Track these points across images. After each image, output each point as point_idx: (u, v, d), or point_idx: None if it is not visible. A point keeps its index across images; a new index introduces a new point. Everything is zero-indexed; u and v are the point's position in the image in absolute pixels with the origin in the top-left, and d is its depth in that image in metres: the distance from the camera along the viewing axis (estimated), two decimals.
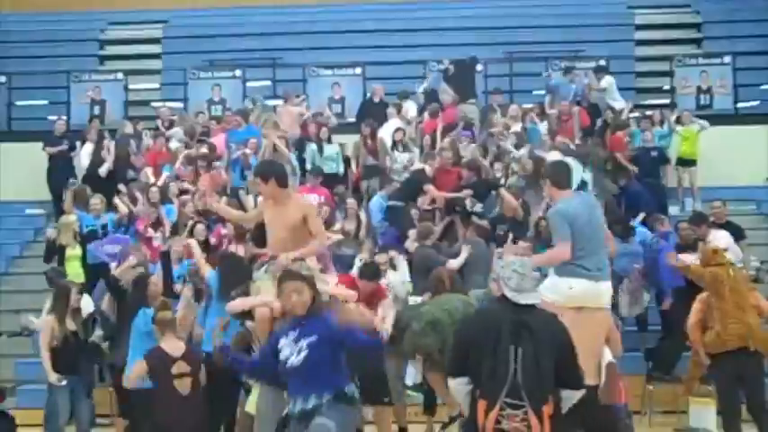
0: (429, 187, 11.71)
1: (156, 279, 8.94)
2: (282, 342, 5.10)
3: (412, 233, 10.85)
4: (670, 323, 10.22)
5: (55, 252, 11.46)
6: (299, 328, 5.09)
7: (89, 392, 9.14)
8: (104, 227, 11.64)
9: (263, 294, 6.37)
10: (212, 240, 10.79)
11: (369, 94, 15.36)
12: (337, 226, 11.38)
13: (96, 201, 11.96)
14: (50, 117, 15.50)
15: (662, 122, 14.13)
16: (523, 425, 4.54)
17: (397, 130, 13.29)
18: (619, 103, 14.55)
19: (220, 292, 7.80)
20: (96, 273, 10.77)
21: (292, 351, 5.00)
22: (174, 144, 13.94)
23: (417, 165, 12.48)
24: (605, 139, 13.61)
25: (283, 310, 5.67)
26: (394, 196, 12.02)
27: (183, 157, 13.08)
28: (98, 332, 9.28)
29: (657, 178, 13.35)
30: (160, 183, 12.65)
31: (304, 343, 4.99)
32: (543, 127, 13.68)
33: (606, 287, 6.41)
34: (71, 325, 8.41)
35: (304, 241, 6.67)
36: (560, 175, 6.59)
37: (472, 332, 4.81)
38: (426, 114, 14.12)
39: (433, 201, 11.68)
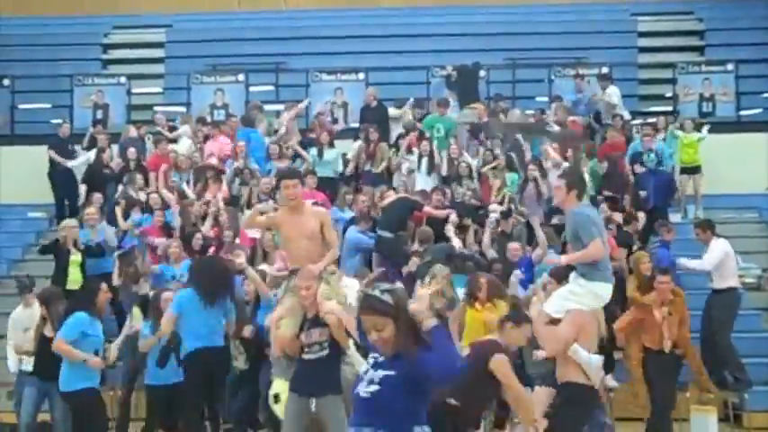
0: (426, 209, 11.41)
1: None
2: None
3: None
4: None
5: (51, 250, 11.03)
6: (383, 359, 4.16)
7: None
8: (99, 245, 11.03)
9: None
10: None
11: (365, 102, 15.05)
12: None
13: (92, 210, 11.51)
14: (53, 120, 15.51)
15: (666, 129, 14.08)
16: None
17: (401, 136, 13.30)
18: (624, 111, 14.61)
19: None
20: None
21: (363, 377, 4.16)
22: (183, 143, 13.95)
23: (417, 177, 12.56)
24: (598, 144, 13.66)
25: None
26: (382, 226, 11.16)
27: (194, 171, 12.88)
28: None
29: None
30: (162, 185, 12.60)
31: (380, 374, 4.08)
32: None
33: None
34: (49, 331, 8.00)
35: (321, 252, 6.71)
36: (582, 188, 6.89)
37: None
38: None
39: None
